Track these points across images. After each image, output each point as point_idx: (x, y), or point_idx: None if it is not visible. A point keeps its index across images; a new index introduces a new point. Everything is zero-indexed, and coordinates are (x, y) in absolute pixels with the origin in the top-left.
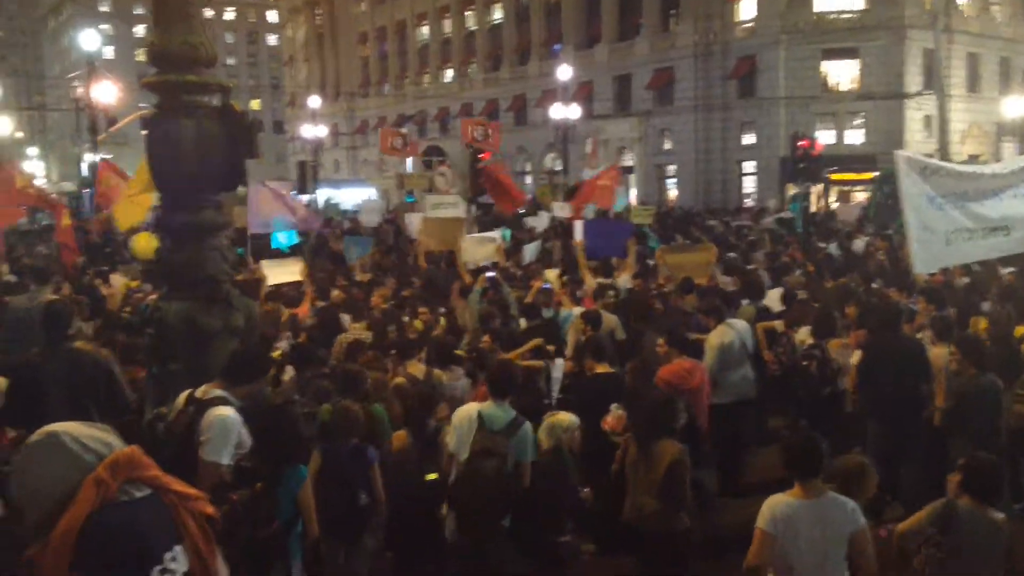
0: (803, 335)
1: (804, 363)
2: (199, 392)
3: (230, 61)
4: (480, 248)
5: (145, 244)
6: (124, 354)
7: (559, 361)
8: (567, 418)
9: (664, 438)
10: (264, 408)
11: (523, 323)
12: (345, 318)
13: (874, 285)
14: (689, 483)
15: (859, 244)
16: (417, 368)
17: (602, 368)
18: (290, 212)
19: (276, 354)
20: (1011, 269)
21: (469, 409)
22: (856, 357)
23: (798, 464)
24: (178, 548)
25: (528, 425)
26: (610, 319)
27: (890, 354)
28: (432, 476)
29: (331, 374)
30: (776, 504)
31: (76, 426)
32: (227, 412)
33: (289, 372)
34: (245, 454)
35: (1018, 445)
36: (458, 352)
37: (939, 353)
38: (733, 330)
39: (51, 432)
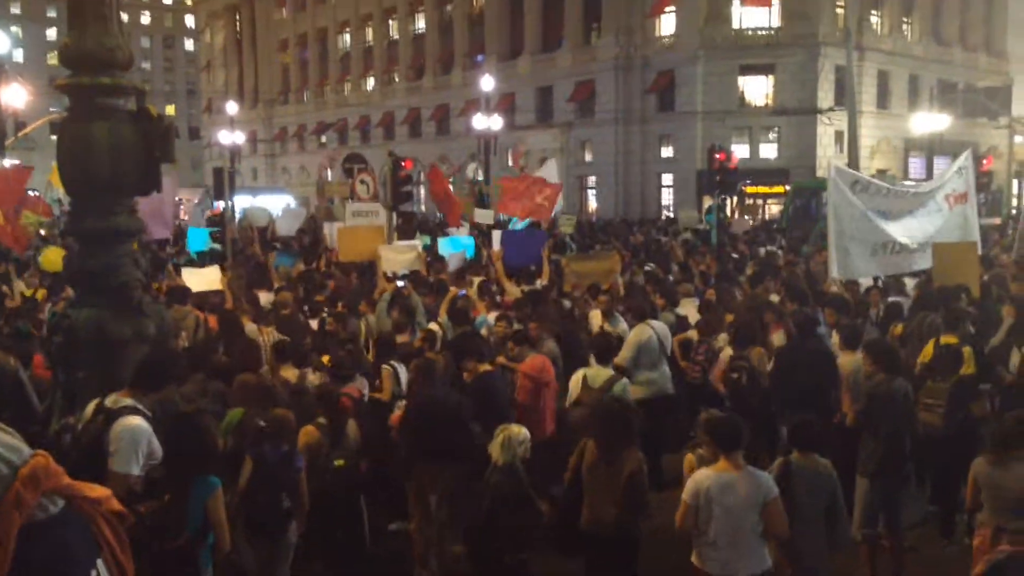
0: (720, 342)
1: (734, 375)
2: (108, 401)
3: (145, 66)
4: (400, 256)
5: (54, 257)
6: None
7: (402, 368)
8: (520, 431)
9: (629, 447)
10: (173, 416)
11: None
12: (251, 325)
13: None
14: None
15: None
16: (290, 372)
17: (484, 367)
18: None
19: None
20: (916, 280)
21: (579, 373)
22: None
23: (722, 439)
24: (99, 561)
25: (623, 381)
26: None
27: (801, 360)
28: (339, 462)
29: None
30: (699, 477)
31: None
32: (136, 421)
33: None
34: (156, 464)
35: (924, 452)
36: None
37: (846, 360)
38: (651, 329)
39: None
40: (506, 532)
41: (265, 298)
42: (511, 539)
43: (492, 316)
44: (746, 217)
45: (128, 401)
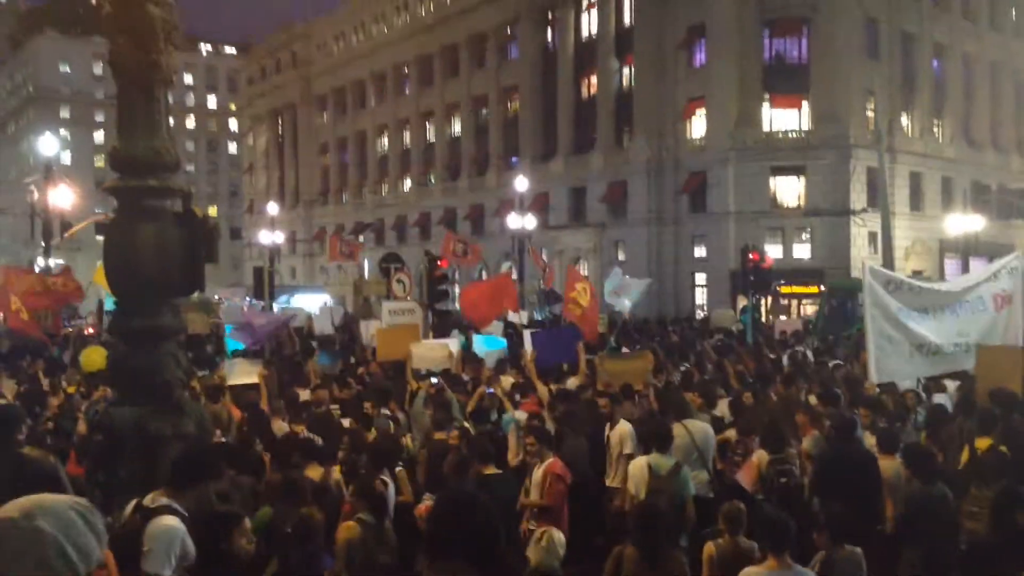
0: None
1: (783, 480)
2: (147, 500)
3: (189, 168)
4: (431, 354)
5: (96, 357)
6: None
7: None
8: (560, 535)
9: (674, 549)
10: (203, 516)
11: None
12: (282, 423)
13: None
14: None
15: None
16: (315, 471)
17: (490, 470)
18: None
19: None
20: (957, 383)
21: (641, 462)
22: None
23: (771, 539)
24: None
25: (686, 469)
26: None
27: (844, 466)
28: (385, 559)
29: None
30: None
31: (68, 519)
32: (171, 522)
33: None
34: (190, 566)
35: (970, 562)
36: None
37: (885, 465)
38: (685, 430)
39: (38, 529)
40: None
41: (303, 396)
42: None
43: (519, 414)
44: (782, 317)
45: (165, 500)
